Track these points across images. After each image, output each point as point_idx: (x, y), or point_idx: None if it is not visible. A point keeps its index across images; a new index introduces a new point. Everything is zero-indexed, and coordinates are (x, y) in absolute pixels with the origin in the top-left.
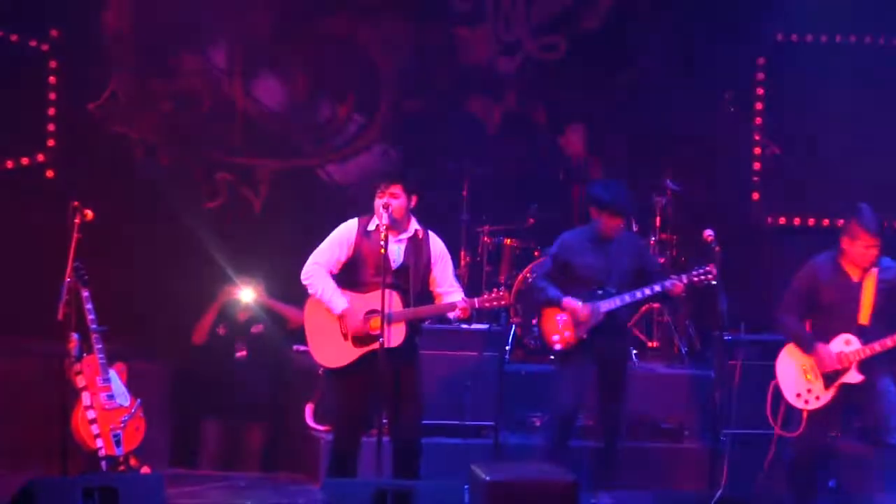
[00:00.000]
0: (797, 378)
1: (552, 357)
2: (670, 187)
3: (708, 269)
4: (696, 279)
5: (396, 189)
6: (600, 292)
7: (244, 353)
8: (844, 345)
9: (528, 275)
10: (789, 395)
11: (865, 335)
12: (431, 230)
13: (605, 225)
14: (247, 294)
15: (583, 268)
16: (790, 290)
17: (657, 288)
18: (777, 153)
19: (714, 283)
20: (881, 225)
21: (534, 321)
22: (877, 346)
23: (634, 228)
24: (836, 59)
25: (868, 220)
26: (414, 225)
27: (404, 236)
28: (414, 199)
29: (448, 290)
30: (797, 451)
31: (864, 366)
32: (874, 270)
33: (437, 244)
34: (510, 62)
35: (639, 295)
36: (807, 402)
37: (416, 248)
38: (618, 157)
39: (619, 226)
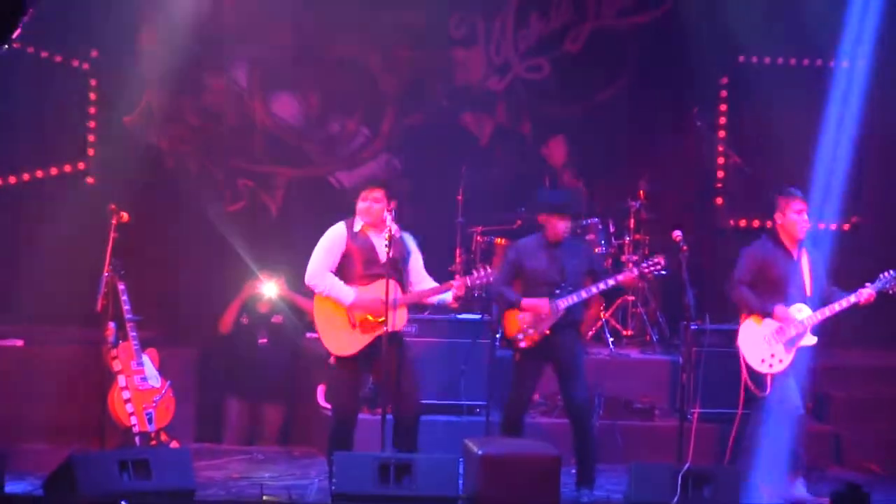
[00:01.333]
0: (760, 345)
1: (515, 354)
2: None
3: (657, 260)
4: (646, 270)
5: (378, 193)
6: (557, 291)
7: (265, 340)
8: (798, 312)
9: (495, 281)
10: (754, 362)
11: (812, 303)
12: (422, 233)
13: (554, 227)
14: (270, 288)
15: (536, 271)
16: (740, 272)
17: (610, 282)
18: (738, 162)
19: (664, 272)
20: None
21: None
22: (826, 311)
23: (611, 230)
24: (791, 78)
25: (794, 189)
26: (391, 224)
27: (385, 234)
28: (393, 203)
29: (422, 279)
30: (765, 418)
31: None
32: (803, 247)
33: (410, 241)
34: (500, 81)
35: (594, 290)
36: (771, 365)
37: (396, 244)
38: (596, 167)
39: (567, 227)
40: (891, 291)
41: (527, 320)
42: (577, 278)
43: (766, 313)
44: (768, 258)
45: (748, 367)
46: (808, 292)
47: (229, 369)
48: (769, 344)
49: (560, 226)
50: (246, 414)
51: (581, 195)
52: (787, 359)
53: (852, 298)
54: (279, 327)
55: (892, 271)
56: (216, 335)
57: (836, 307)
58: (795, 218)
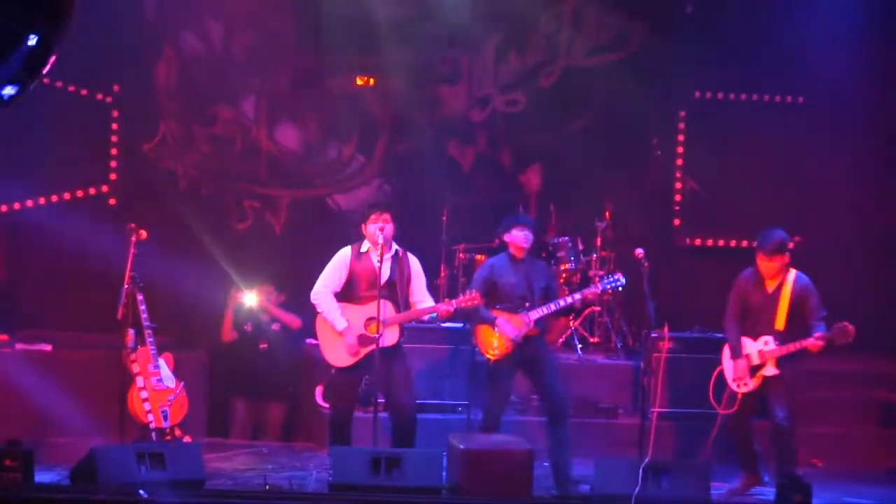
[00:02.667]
0: (733, 368)
1: (489, 362)
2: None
3: (616, 276)
4: (608, 286)
5: (387, 216)
6: (527, 304)
7: (265, 345)
8: (764, 345)
9: None
10: (730, 380)
11: (781, 338)
12: (410, 251)
13: (516, 239)
14: (249, 298)
15: (508, 286)
16: (729, 300)
17: (577, 296)
18: (694, 188)
19: (622, 288)
20: (777, 246)
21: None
22: (784, 350)
23: (580, 247)
24: (742, 112)
25: (763, 243)
26: (395, 246)
27: (388, 255)
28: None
29: (422, 299)
30: (732, 425)
31: (780, 364)
32: (789, 282)
33: (414, 262)
34: (481, 113)
35: (562, 303)
36: (739, 386)
37: (399, 264)
38: (567, 190)
39: (528, 238)
40: (837, 343)
41: (497, 334)
42: (540, 294)
43: (735, 356)
44: (746, 291)
45: (719, 382)
46: (780, 325)
47: (235, 372)
48: (738, 370)
49: (520, 237)
50: (250, 412)
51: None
52: (752, 383)
53: (803, 344)
54: (278, 334)
55: (845, 323)
56: (220, 342)
57: (791, 348)
58: (765, 265)
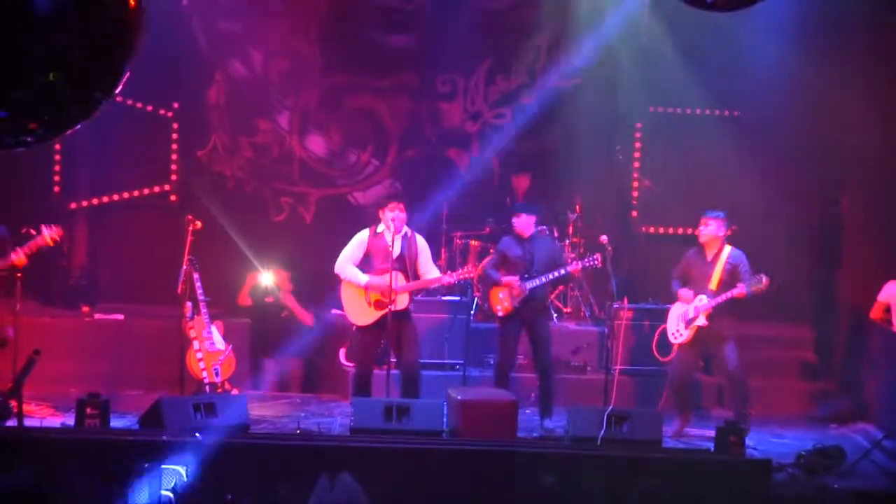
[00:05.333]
0: (672, 322)
1: (497, 320)
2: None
3: (594, 257)
4: (587, 264)
5: (401, 206)
6: (526, 276)
7: (285, 314)
8: (699, 302)
9: (486, 265)
10: (668, 333)
11: (713, 296)
12: (417, 232)
13: (519, 224)
14: (266, 278)
15: (514, 258)
16: (676, 270)
17: (562, 271)
18: (649, 186)
19: (600, 266)
20: (710, 211)
21: (482, 301)
22: (714, 302)
23: (555, 234)
24: (690, 123)
25: (705, 211)
26: (406, 228)
27: (399, 235)
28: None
29: (429, 270)
30: (671, 375)
31: (711, 318)
32: (724, 253)
33: (420, 240)
34: (474, 125)
35: (551, 276)
36: (675, 337)
37: (409, 242)
38: (544, 187)
39: (528, 223)
40: (754, 290)
41: (503, 296)
42: (541, 266)
43: (675, 296)
44: (690, 261)
45: (662, 338)
46: (713, 287)
47: (262, 336)
48: (676, 322)
49: (522, 222)
50: (277, 369)
51: (540, 208)
52: (686, 334)
53: (730, 294)
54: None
55: (760, 275)
56: (260, 311)
57: (721, 299)
58: (700, 230)
